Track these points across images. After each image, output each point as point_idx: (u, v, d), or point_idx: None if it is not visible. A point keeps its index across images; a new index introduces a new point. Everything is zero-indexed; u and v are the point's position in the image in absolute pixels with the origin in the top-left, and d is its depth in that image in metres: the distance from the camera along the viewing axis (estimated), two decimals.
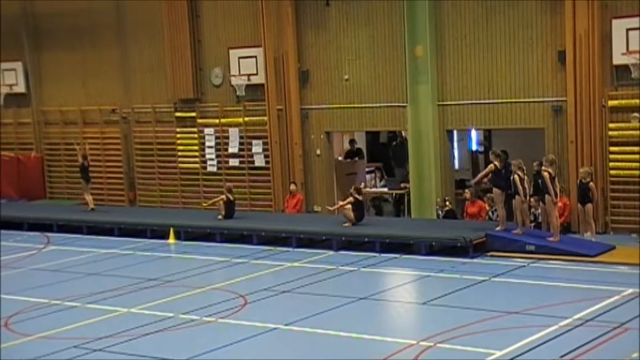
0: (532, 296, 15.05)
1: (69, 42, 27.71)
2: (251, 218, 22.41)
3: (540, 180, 18.13)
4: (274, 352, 12.79)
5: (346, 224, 20.16)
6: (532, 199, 18.80)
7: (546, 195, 18.00)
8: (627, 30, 19.13)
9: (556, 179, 18.14)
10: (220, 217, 21.93)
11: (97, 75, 27.42)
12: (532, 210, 19.37)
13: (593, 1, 19.41)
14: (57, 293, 16.84)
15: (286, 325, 13.83)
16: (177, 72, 25.39)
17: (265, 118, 24.01)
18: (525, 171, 18.34)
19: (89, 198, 24.55)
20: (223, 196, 22.07)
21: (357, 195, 20.28)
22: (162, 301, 15.82)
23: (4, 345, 13.44)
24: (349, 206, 20.20)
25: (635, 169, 19.41)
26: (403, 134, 23.95)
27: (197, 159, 25.67)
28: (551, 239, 18.03)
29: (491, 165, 18.63)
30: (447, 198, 21.50)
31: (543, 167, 18.06)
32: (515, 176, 18.12)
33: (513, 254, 17.87)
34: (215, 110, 25.20)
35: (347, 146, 25.59)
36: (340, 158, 25.17)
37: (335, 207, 20.99)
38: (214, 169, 25.31)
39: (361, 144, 26.28)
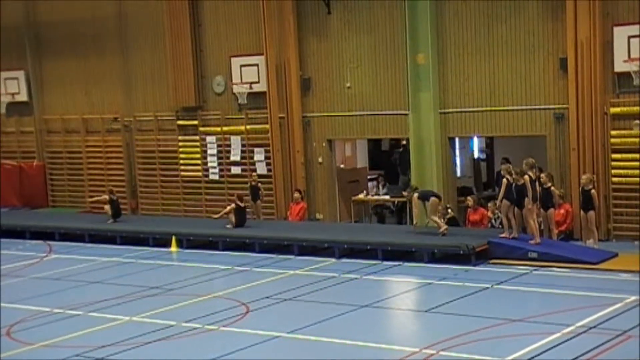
0: (534, 303, 15.06)
1: (71, 51, 27.73)
2: (253, 226, 22.39)
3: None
4: None
5: (229, 226, 21.59)
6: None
7: (525, 199, 17.99)
8: (629, 37, 19.16)
9: (537, 183, 18.11)
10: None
11: (99, 84, 27.45)
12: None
13: (594, 9, 19.43)
14: (59, 301, 16.83)
15: (288, 333, 13.82)
16: (179, 80, 25.42)
17: (267, 126, 24.02)
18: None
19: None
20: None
21: (239, 202, 21.77)
22: (164, 309, 15.82)
23: (7, 354, 13.44)
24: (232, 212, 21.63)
25: (637, 176, 19.39)
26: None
27: (199, 167, 25.70)
28: (532, 241, 18.04)
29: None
30: (449, 205, 21.48)
31: (524, 171, 18.06)
32: (504, 180, 18.14)
33: (515, 262, 17.84)
34: (217, 119, 25.21)
35: (348, 153, 25.53)
36: (342, 165, 25.14)
37: (218, 215, 22.32)
38: (216, 177, 25.33)
39: (362, 151, 26.28)
